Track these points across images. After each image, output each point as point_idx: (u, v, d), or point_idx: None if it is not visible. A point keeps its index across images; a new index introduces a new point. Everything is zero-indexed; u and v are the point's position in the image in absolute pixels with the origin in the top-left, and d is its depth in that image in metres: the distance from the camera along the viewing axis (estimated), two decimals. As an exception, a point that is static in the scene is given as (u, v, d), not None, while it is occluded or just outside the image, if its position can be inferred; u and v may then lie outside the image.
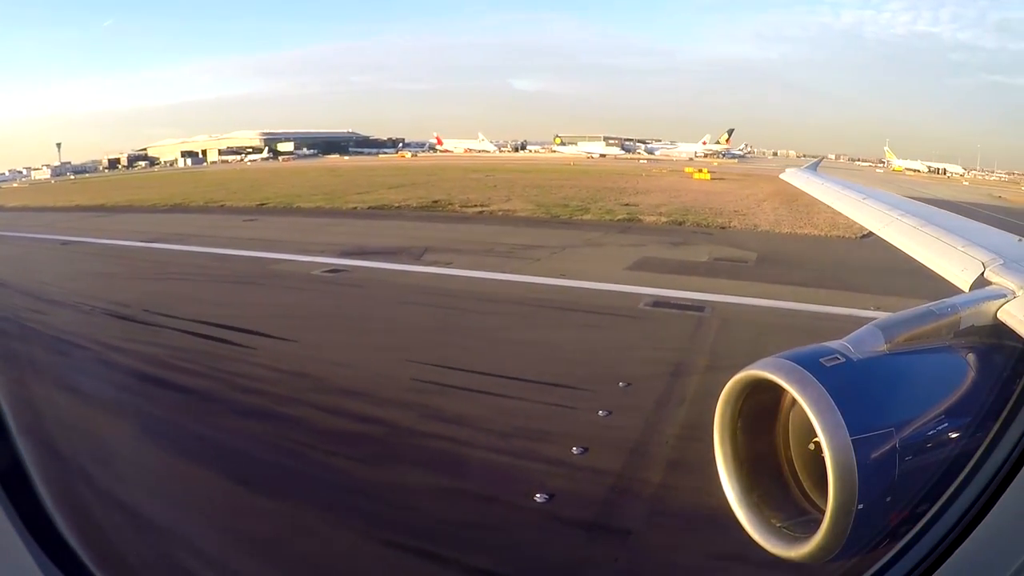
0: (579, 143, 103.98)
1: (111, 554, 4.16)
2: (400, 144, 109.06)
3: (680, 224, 27.14)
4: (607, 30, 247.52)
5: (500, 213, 30.21)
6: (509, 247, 21.05)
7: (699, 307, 13.91)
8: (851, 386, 2.23)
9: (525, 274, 17.33)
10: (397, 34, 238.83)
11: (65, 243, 24.33)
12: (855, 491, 2.06)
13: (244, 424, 8.37)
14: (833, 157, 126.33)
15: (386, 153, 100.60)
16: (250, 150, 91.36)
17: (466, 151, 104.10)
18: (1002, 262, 3.11)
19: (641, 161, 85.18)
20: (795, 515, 2.38)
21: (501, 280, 16.74)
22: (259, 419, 8.43)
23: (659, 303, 14.24)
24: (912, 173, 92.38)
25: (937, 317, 2.53)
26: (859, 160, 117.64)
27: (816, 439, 2.13)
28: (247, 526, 6.14)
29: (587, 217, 28.84)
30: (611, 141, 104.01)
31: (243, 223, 28.64)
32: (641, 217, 28.58)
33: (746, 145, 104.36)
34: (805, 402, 2.14)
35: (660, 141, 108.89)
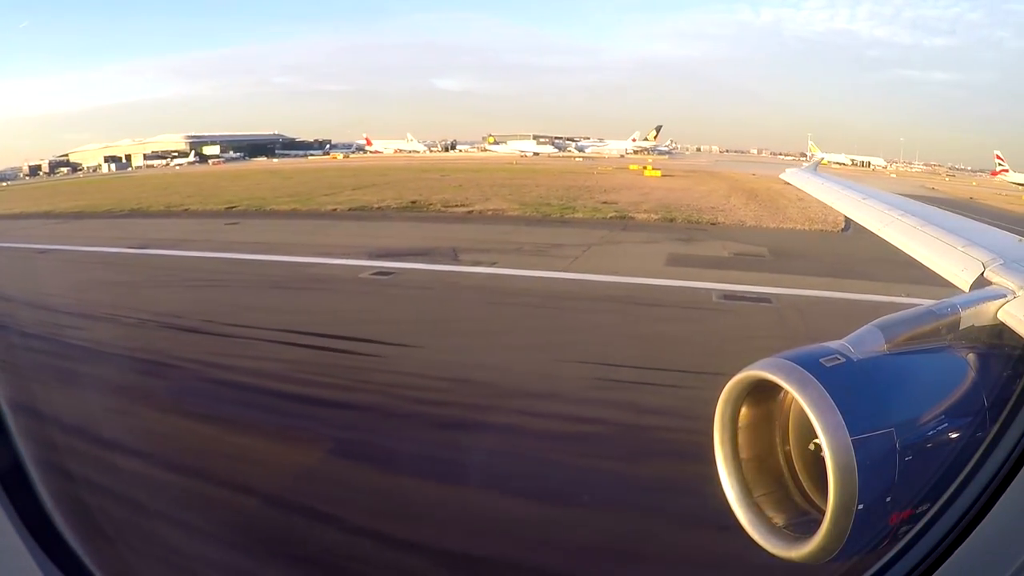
0: (509, 142, 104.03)
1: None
2: (327, 146, 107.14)
3: (672, 221, 27.84)
4: (529, 29, 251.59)
5: (490, 213, 30.05)
6: (535, 246, 21.19)
7: (766, 299, 14.51)
8: (851, 386, 2.22)
9: (576, 272, 17.68)
10: (319, 34, 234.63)
11: (43, 251, 22.47)
12: (855, 491, 2.04)
13: (468, 438, 7.95)
14: (755, 152, 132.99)
15: (314, 155, 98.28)
16: (175, 154, 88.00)
17: (396, 152, 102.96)
18: (1002, 262, 3.08)
19: (577, 159, 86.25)
20: (795, 515, 2.37)
21: (560, 278, 16.98)
22: (477, 431, 8.06)
23: (728, 296, 14.94)
24: (838, 166, 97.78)
25: (937, 317, 2.52)
26: (779, 153, 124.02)
27: (816, 439, 2.11)
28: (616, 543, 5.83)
29: (578, 215, 29.02)
30: (542, 140, 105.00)
31: (227, 227, 27.63)
32: (631, 215, 28.91)
33: (671, 141, 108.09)
34: (805, 402, 2.13)
35: (588, 139, 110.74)
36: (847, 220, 26.46)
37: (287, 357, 10.71)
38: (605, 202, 33.31)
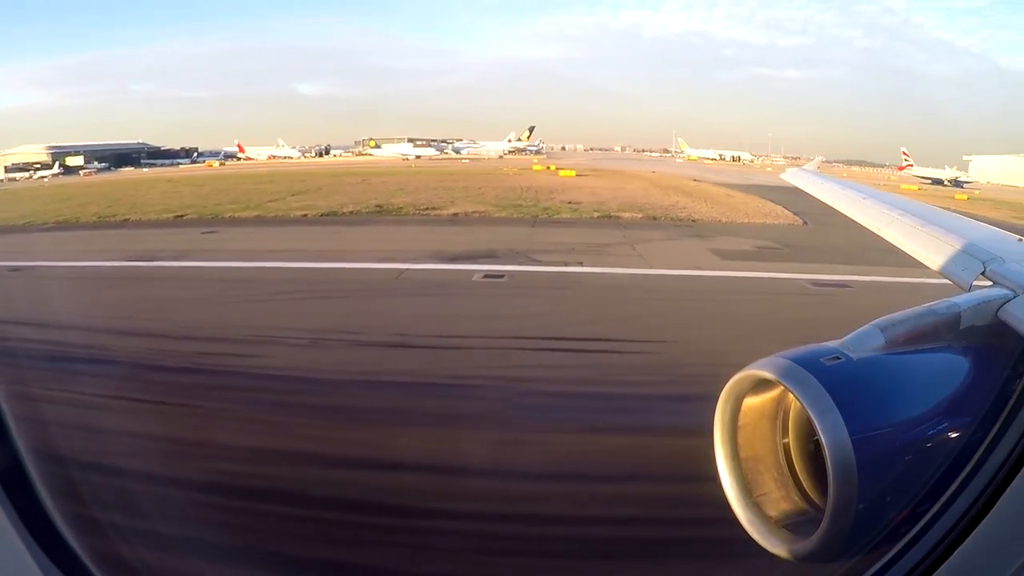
0: (384, 146, 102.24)
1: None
2: (195, 153, 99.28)
3: (656, 219, 28.62)
4: (389, 32, 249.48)
5: (476, 215, 29.48)
6: (584, 246, 21.18)
7: (844, 284, 15.62)
8: (851, 386, 2.28)
9: (660, 268, 18.15)
10: (176, 39, 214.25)
11: (16, 268, 19.11)
12: (855, 491, 2.10)
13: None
14: (619, 149, 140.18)
15: (182, 163, 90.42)
16: (38, 165, 79.21)
17: (270, 158, 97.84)
18: (1003, 262, 3.12)
19: (464, 161, 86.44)
20: (795, 515, 2.42)
21: (660, 275, 17.37)
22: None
23: (815, 283, 16.01)
24: (710, 162, 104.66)
25: (937, 316, 2.56)
26: (643, 150, 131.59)
27: (816, 438, 2.16)
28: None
29: (566, 216, 29.29)
30: (419, 143, 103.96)
31: (208, 235, 25.00)
32: (615, 215, 29.37)
33: (540, 141, 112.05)
34: (805, 401, 2.18)
35: (461, 140, 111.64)
36: (803, 216, 29.91)
37: (567, 363, 10.16)
38: (568, 202, 33.85)
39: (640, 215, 29.64)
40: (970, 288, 3.11)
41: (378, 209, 31.58)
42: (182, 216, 30.68)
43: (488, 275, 16.46)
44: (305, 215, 30.04)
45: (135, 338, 11.50)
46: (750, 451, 2.49)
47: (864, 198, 5.55)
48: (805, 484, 2.44)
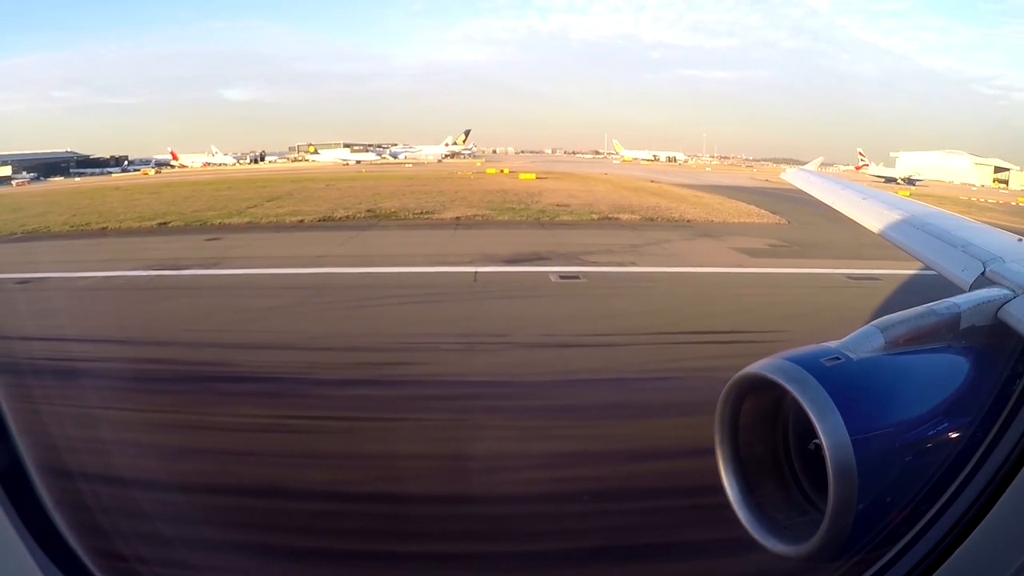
0: (322, 151, 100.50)
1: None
2: (126, 162, 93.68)
3: (654, 220, 29.20)
4: (317, 36, 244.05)
5: (479, 219, 29.36)
6: (615, 247, 21.76)
7: (875, 278, 16.22)
8: (851, 386, 2.28)
9: (705, 266, 18.94)
10: (100, 44, 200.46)
11: (43, 279, 17.44)
12: (855, 491, 2.10)
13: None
14: (550, 152, 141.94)
15: (113, 172, 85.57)
16: None
17: (204, 165, 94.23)
18: (1003, 262, 3.14)
19: (407, 165, 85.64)
20: (796, 515, 2.42)
21: (712, 272, 18.15)
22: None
23: (851, 277, 16.75)
24: (646, 162, 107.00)
25: (937, 317, 2.55)
26: (575, 152, 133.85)
27: (816, 439, 2.16)
28: None
29: (567, 219, 29.60)
30: (356, 147, 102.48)
31: (212, 242, 23.82)
32: (614, 217, 29.82)
33: (472, 144, 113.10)
34: (805, 402, 2.18)
35: (397, 145, 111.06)
36: (782, 215, 31.55)
37: (725, 353, 10.27)
38: (557, 205, 34.27)
39: (636, 216, 30.19)
40: (970, 288, 3.13)
41: (371, 214, 31.02)
42: (166, 223, 29.60)
43: (563, 276, 16.71)
44: (301, 221, 29.38)
45: (278, 352, 10.93)
46: (750, 451, 2.50)
47: (864, 199, 5.61)
48: (806, 484, 2.46)
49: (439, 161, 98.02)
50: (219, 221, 29.51)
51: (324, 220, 29.40)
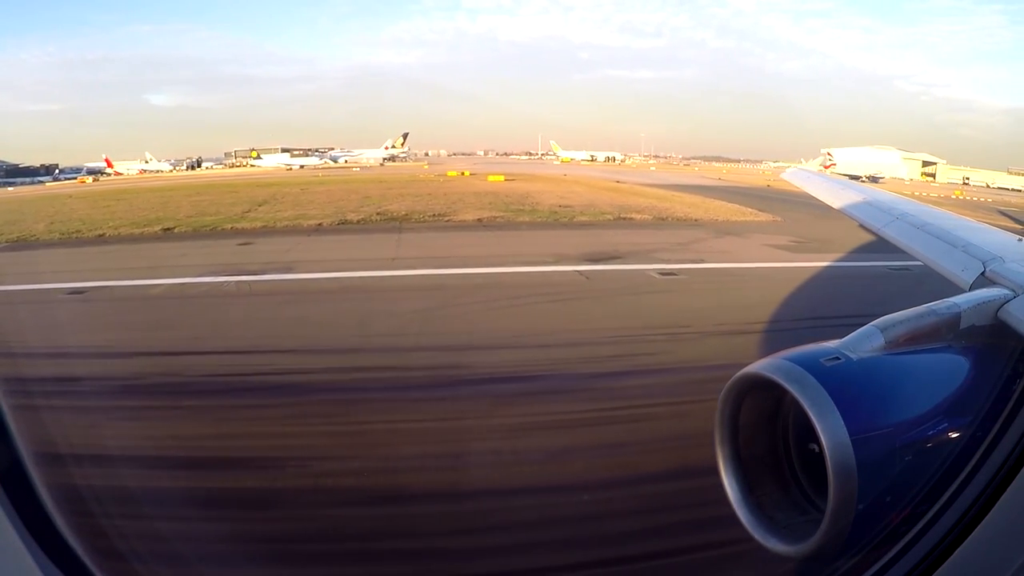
0: (264, 156, 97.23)
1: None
2: (56, 170, 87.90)
3: (665, 220, 29.47)
4: (243, 40, 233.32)
5: (500, 221, 29.11)
6: (665, 245, 21.96)
7: (910, 268, 18.42)
8: (850, 386, 2.28)
9: (764, 262, 19.54)
10: (22, 49, 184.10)
11: (79, 291, 15.72)
12: (855, 491, 2.09)
13: None
14: (482, 153, 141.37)
15: (44, 181, 79.69)
16: None
17: (140, 172, 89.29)
18: (1002, 262, 3.14)
19: (355, 169, 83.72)
20: (796, 515, 2.41)
21: (776, 267, 18.81)
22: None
23: (892, 269, 16.37)
24: (586, 163, 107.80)
25: (937, 317, 2.54)
26: (508, 153, 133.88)
27: (816, 439, 2.15)
28: None
29: (585, 220, 29.86)
30: (295, 152, 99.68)
31: (244, 247, 22.84)
32: (627, 217, 30.10)
33: (407, 147, 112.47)
34: (805, 402, 2.17)
35: (334, 148, 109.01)
36: (771, 212, 33.21)
37: None
38: (561, 207, 34.55)
39: (647, 217, 30.38)
40: (970, 288, 3.14)
41: (385, 217, 30.28)
42: (170, 229, 27.96)
43: (662, 273, 17.00)
44: (320, 224, 28.43)
45: (498, 352, 10.60)
46: (750, 451, 2.51)
47: (864, 198, 5.67)
48: (806, 484, 2.46)
49: (381, 164, 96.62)
50: (229, 226, 28.33)
51: (342, 224, 28.65)
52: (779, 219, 31.04)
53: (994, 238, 3.84)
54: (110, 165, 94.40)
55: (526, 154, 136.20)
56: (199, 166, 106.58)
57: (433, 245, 22.85)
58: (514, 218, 29.73)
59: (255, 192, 44.65)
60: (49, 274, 18.77)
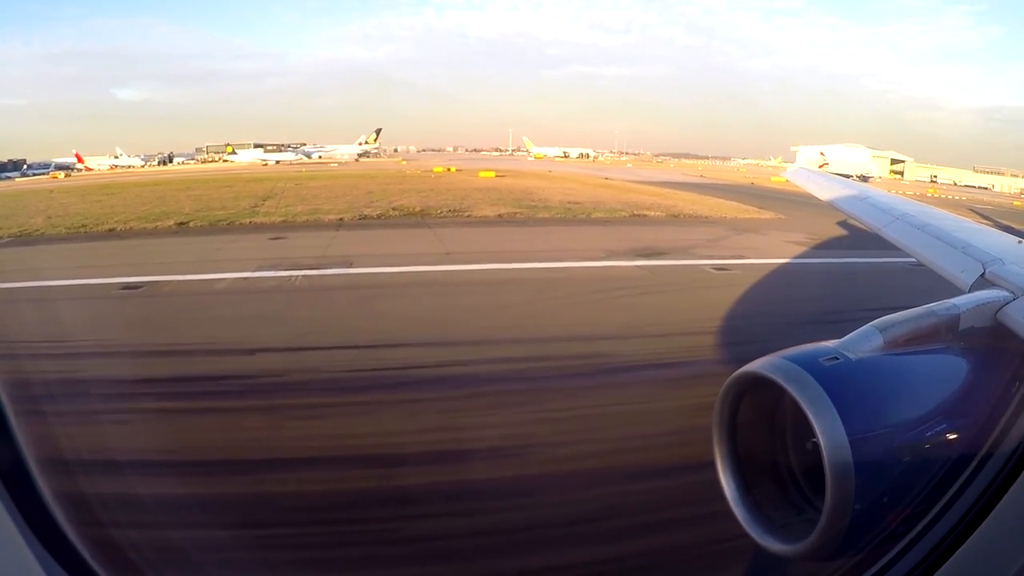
0: (240, 151, 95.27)
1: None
2: (24, 165, 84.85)
3: (677, 218, 29.75)
4: (211, 34, 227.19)
5: (520, 217, 29.16)
6: (698, 242, 22.35)
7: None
8: (849, 386, 2.28)
9: (803, 259, 19.86)
10: None
11: (132, 286, 15.13)
12: (852, 491, 2.10)
13: None
14: (451, 149, 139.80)
15: (12, 176, 75.94)
16: None
17: (112, 168, 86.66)
18: (1002, 264, 3.13)
19: (332, 165, 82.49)
20: (793, 514, 2.42)
21: (814, 263, 19.41)
22: None
23: (914, 265, 19.02)
24: (560, 159, 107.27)
25: (936, 318, 2.54)
26: (478, 149, 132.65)
27: (814, 439, 2.14)
28: None
29: (602, 216, 29.99)
30: (268, 147, 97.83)
31: (285, 242, 22.17)
32: (640, 214, 30.30)
33: (378, 143, 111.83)
34: (803, 402, 2.18)
35: (306, 144, 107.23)
36: (773, 211, 34.12)
37: None
38: (571, 203, 34.81)
39: (660, 214, 30.51)
40: (969, 290, 3.13)
41: (401, 213, 30.02)
42: (185, 224, 27.12)
43: (717, 268, 17.35)
44: (341, 219, 27.93)
45: (648, 340, 10.84)
46: (749, 451, 2.51)
47: (864, 198, 5.67)
48: (804, 484, 2.47)
49: (356, 160, 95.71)
50: (246, 220, 27.75)
51: (362, 219, 28.32)
52: (782, 216, 31.39)
53: (994, 240, 3.85)
54: (80, 160, 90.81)
55: (496, 150, 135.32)
56: (171, 161, 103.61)
57: (474, 240, 22.72)
58: (532, 214, 29.61)
59: (250, 187, 43.66)
60: (86, 269, 18.19)
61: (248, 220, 27.71)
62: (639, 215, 30.71)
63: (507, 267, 17.21)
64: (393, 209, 30.88)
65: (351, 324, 12.21)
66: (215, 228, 26.23)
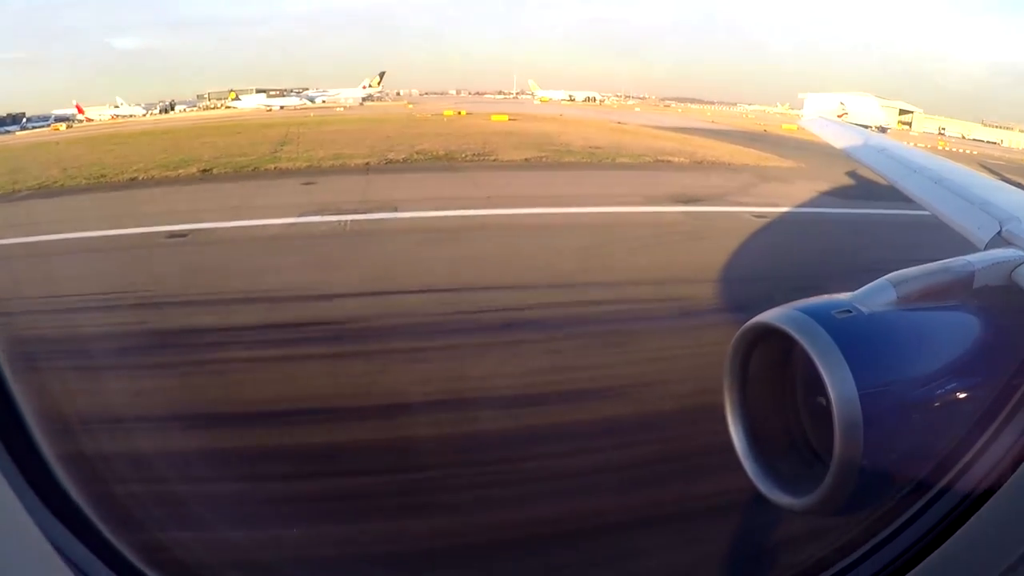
0: (243, 97, 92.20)
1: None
2: (23, 119, 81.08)
3: (701, 164, 29.13)
4: None
5: (545, 161, 28.72)
6: (735, 189, 21.84)
7: None
8: (861, 340, 2.24)
9: (839, 208, 19.56)
10: None
11: (181, 233, 15.19)
12: (860, 446, 2.07)
13: None
14: (454, 92, 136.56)
15: (11, 130, 73.41)
16: None
17: (113, 118, 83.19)
18: (1019, 222, 3.06)
19: (338, 109, 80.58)
20: (801, 467, 2.40)
21: (854, 212, 18.96)
22: None
23: None
24: (567, 103, 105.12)
25: (950, 274, 2.49)
26: (481, 93, 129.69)
27: (824, 392, 2.13)
28: None
29: (627, 161, 29.57)
30: (271, 93, 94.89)
31: (316, 187, 21.99)
32: (665, 159, 29.72)
33: (383, 87, 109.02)
34: (814, 354, 2.15)
35: (308, 89, 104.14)
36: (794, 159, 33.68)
37: None
38: (592, 148, 34.26)
39: (684, 160, 30.27)
40: (985, 247, 3.08)
41: (426, 156, 29.30)
42: (208, 171, 26.82)
43: (755, 215, 17.21)
44: (367, 163, 27.58)
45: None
46: (758, 403, 2.50)
47: (882, 150, 5.58)
48: (812, 438, 2.45)
49: (361, 104, 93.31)
50: (271, 166, 27.39)
51: (388, 163, 27.99)
52: (803, 165, 31.10)
53: (1012, 198, 3.73)
54: (81, 111, 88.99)
55: (499, 93, 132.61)
56: (172, 109, 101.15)
57: (509, 184, 22.42)
58: (559, 159, 29.26)
59: (263, 132, 42.76)
60: (122, 219, 17.95)
61: (272, 166, 27.25)
62: (663, 160, 30.33)
63: (554, 211, 17.16)
64: (417, 153, 30.35)
65: (423, 268, 12.27)
66: (240, 175, 25.84)
